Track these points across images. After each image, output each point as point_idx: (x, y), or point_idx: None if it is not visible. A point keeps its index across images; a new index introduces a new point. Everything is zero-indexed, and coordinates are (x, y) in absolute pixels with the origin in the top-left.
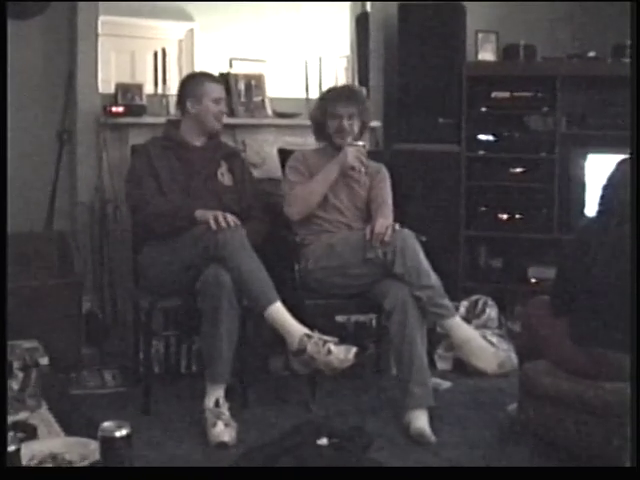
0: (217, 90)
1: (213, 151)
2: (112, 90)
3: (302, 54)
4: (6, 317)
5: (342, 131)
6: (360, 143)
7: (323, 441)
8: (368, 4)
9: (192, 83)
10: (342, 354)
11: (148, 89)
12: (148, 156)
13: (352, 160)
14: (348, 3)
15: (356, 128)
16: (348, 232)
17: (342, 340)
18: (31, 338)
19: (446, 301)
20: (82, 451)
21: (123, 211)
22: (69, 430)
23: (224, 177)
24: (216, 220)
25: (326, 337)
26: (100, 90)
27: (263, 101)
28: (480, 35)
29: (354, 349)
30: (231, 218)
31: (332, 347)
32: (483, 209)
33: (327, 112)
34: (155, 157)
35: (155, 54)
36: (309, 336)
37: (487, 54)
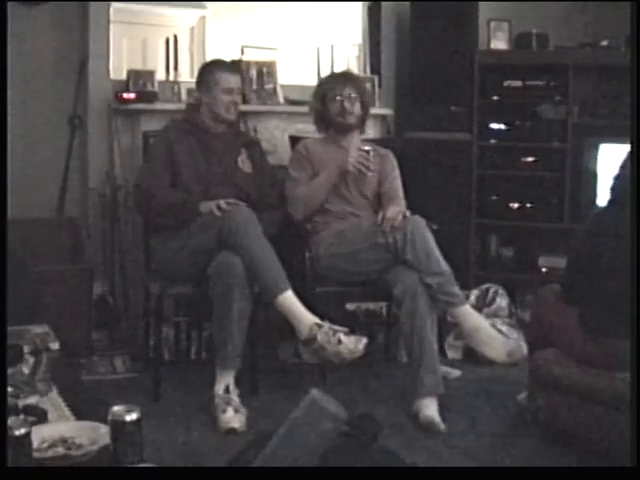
0: (230, 80)
1: (234, 138)
2: (124, 76)
3: (314, 42)
4: (6, 304)
5: (344, 112)
6: (366, 148)
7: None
8: None
9: (206, 72)
10: (352, 344)
11: (159, 76)
12: (167, 140)
13: (352, 167)
14: None
15: (357, 109)
16: (359, 219)
17: (352, 328)
18: (42, 323)
19: (456, 289)
20: (92, 435)
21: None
22: (79, 415)
23: (244, 164)
24: (219, 207)
25: (336, 327)
26: (112, 76)
27: (275, 88)
28: (492, 24)
29: (364, 340)
30: (234, 201)
31: (342, 337)
32: (494, 198)
33: (327, 96)
34: (175, 141)
35: (167, 41)
36: (319, 325)
37: (499, 43)
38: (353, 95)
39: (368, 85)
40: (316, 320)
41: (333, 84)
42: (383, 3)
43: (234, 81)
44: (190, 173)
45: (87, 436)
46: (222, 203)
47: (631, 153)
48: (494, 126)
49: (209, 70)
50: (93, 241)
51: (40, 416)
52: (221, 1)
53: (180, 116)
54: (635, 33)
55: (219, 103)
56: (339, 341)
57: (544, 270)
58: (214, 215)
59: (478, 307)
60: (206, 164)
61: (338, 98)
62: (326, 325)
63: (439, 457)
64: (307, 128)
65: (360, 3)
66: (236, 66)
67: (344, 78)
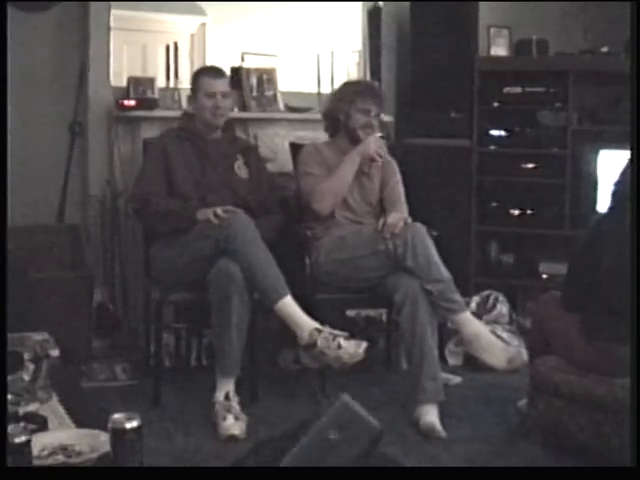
0: (212, 84)
1: (230, 144)
2: (124, 83)
3: (314, 48)
4: (5, 310)
5: (370, 127)
6: (379, 134)
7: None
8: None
9: (193, 79)
10: (352, 349)
11: (160, 83)
12: (162, 148)
13: (373, 152)
14: None
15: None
16: (360, 225)
17: (352, 335)
18: (42, 330)
19: (457, 296)
20: (92, 443)
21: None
22: (79, 422)
23: (240, 170)
24: (216, 215)
25: (336, 332)
26: (112, 83)
27: (275, 95)
28: (492, 30)
29: (364, 344)
30: (231, 208)
31: (342, 342)
32: (494, 204)
33: (354, 106)
34: (170, 149)
35: (167, 48)
36: (319, 330)
37: (499, 49)
38: (379, 113)
39: None
40: (316, 325)
41: (366, 97)
42: (383, 10)
43: (216, 85)
44: (186, 180)
45: (87, 443)
46: (219, 210)
47: (631, 160)
48: (494, 132)
49: (194, 77)
50: (93, 248)
51: (40, 423)
52: (222, 1)
53: (176, 124)
54: (635, 33)
55: (203, 108)
56: (339, 346)
57: (545, 276)
58: (212, 222)
59: (478, 314)
60: (202, 171)
61: (367, 113)
62: (326, 330)
63: (440, 464)
64: (307, 135)
65: (360, 10)
66: (220, 70)
67: (375, 94)
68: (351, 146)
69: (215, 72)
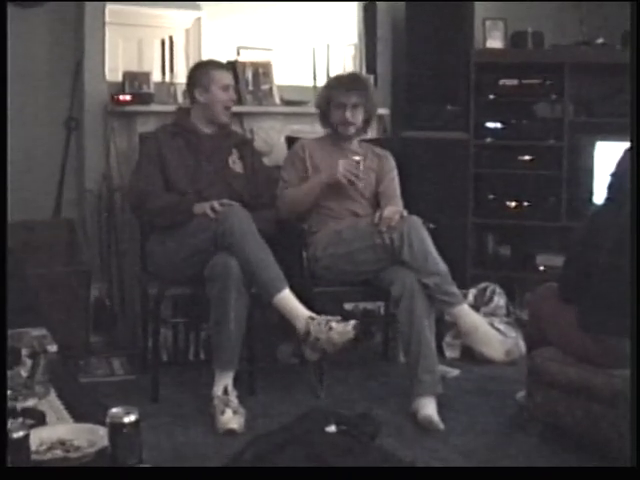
0: (225, 77)
1: (224, 139)
2: (119, 78)
3: (310, 42)
4: (6, 307)
5: (345, 122)
6: (356, 158)
7: (331, 428)
8: None
9: (200, 72)
10: (341, 328)
11: (155, 77)
12: (157, 144)
13: (341, 177)
14: None
15: (360, 118)
16: (356, 219)
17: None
18: (39, 326)
19: (454, 288)
20: (91, 437)
21: None
22: (77, 417)
23: (235, 165)
24: (213, 209)
25: (330, 317)
26: (107, 78)
27: (271, 89)
28: (488, 22)
29: (352, 321)
30: (228, 201)
31: (333, 324)
32: (491, 197)
33: (331, 101)
34: (164, 144)
35: (162, 42)
36: (312, 318)
37: (495, 41)
38: (358, 104)
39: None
40: (310, 314)
41: (339, 90)
42: (378, 3)
43: (229, 78)
44: (181, 175)
45: (85, 438)
46: (215, 204)
47: (631, 149)
48: (490, 125)
49: (203, 70)
50: (90, 243)
51: (38, 419)
52: (216, 0)
53: (170, 120)
54: (635, 33)
55: (217, 101)
56: (330, 328)
57: (542, 268)
58: (209, 216)
59: (476, 306)
60: (196, 165)
61: (342, 106)
62: (319, 317)
63: (438, 456)
64: (303, 129)
65: (355, 3)
66: (228, 64)
67: (351, 84)
68: (339, 141)
69: (223, 65)
